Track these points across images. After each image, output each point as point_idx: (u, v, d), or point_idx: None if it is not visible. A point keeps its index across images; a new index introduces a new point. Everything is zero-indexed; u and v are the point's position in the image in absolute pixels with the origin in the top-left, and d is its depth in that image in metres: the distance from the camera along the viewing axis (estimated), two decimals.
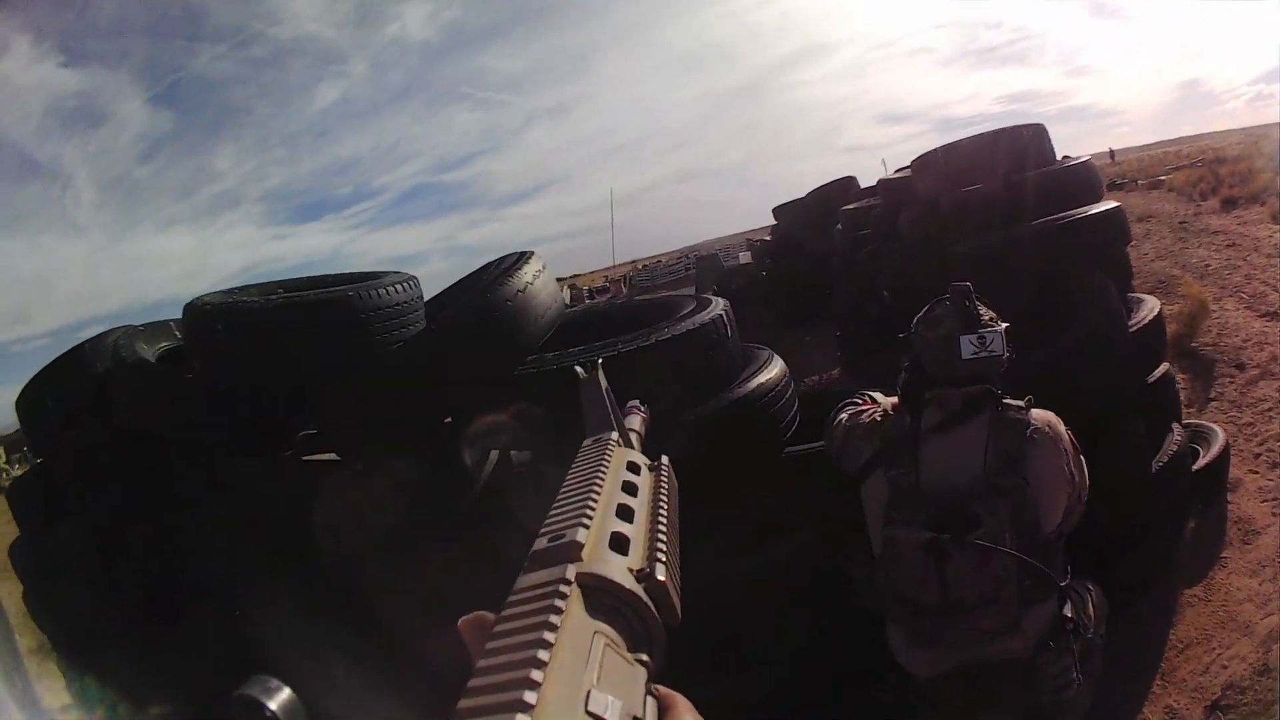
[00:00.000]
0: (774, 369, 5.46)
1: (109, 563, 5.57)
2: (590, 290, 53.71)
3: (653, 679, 0.74)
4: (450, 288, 6.98)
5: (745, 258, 30.22)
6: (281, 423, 5.65)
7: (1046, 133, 8.15)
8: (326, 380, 5.17)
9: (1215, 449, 7.24)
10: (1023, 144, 7.96)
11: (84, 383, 6.40)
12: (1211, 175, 21.23)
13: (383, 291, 5.45)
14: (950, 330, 3.61)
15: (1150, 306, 7.14)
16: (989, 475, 3.45)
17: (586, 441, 1.17)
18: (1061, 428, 3.62)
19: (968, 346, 3.56)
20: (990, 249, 7.04)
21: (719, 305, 5.69)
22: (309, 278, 6.76)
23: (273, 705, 2.30)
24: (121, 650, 5.22)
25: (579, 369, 1.43)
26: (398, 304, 5.53)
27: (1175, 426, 6.78)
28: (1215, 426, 7.84)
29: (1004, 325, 3.66)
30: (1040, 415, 3.61)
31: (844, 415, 4.11)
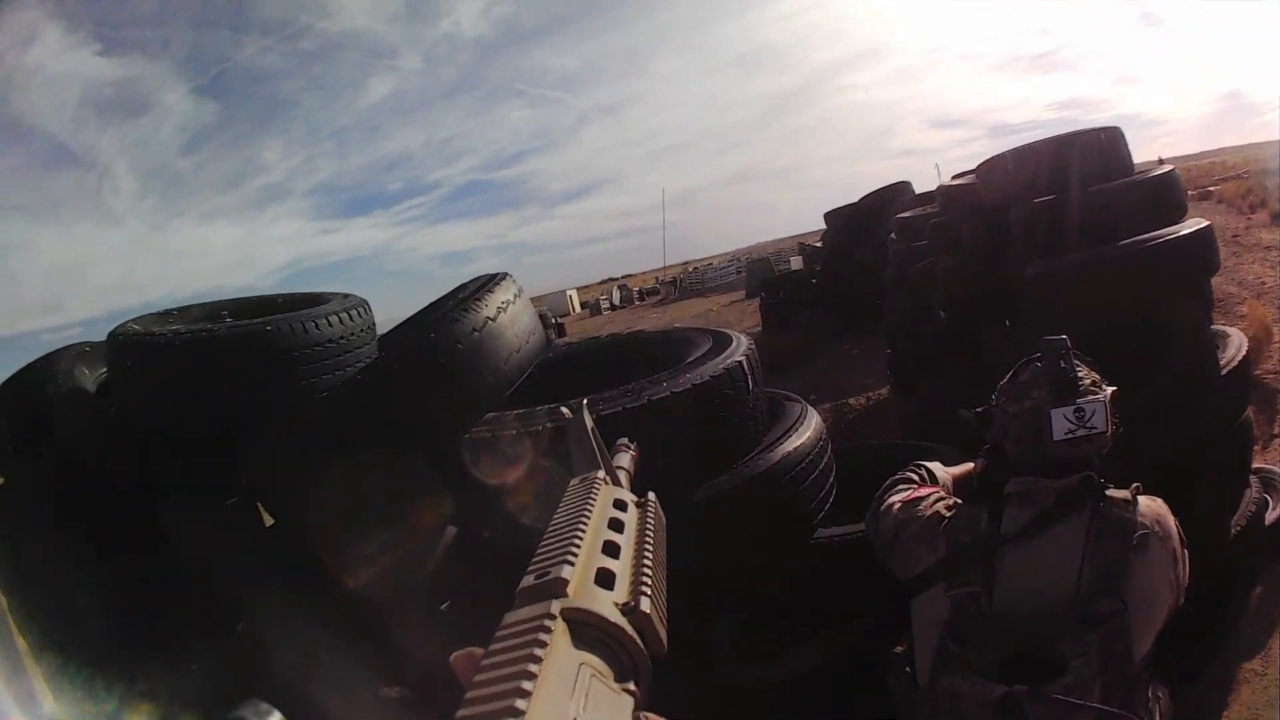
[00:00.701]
0: (806, 431, 4.62)
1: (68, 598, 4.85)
2: (640, 291, 54.46)
3: (640, 708, 0.77)
4: (417, 314, 5.97)
5: (796, 262, 30.16)
6: (221, 467, 4.85)
7: (1124, 137, 7.09)
8: (248, 426, 4.56)
9: None
10: (1100, 150, 6.90)
11: (30, 407, 5.58)
12: (1260, 187, 21.32)
13: (313, 324, 4.74)
14: (1040, 402, 2.97)
15: (1237, 344, 6.51)
16: (1083, 599, 2.75)
17: (574, 481, 1.17)
18: (1172, 523, 2.93)
19: (1061, 423, 2.90)
20: (1069, 273, 6.05)
21: (739, 347, 4.77)
22: (261, 297, 6.03)
23: None
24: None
25: (565, 409, 1.41)
26: (333, 339, 4.79)
27: (1254, 480, 6.25)
28: None
29: (1109, 390, 3.00)
30: (1149, 509, 2.90)
31: (895, 501, 3.30)
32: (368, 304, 5.19)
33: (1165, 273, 5.84)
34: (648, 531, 1.06)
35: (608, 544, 0.94)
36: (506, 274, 4.99)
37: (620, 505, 1.08)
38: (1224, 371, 5.91)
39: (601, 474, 1.17)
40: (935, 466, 3.53)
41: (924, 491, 3.29)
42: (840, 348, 15.80)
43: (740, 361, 4.46)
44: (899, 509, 3.25)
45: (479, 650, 0.71)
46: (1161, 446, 4.77)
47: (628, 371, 4.90)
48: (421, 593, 4.39)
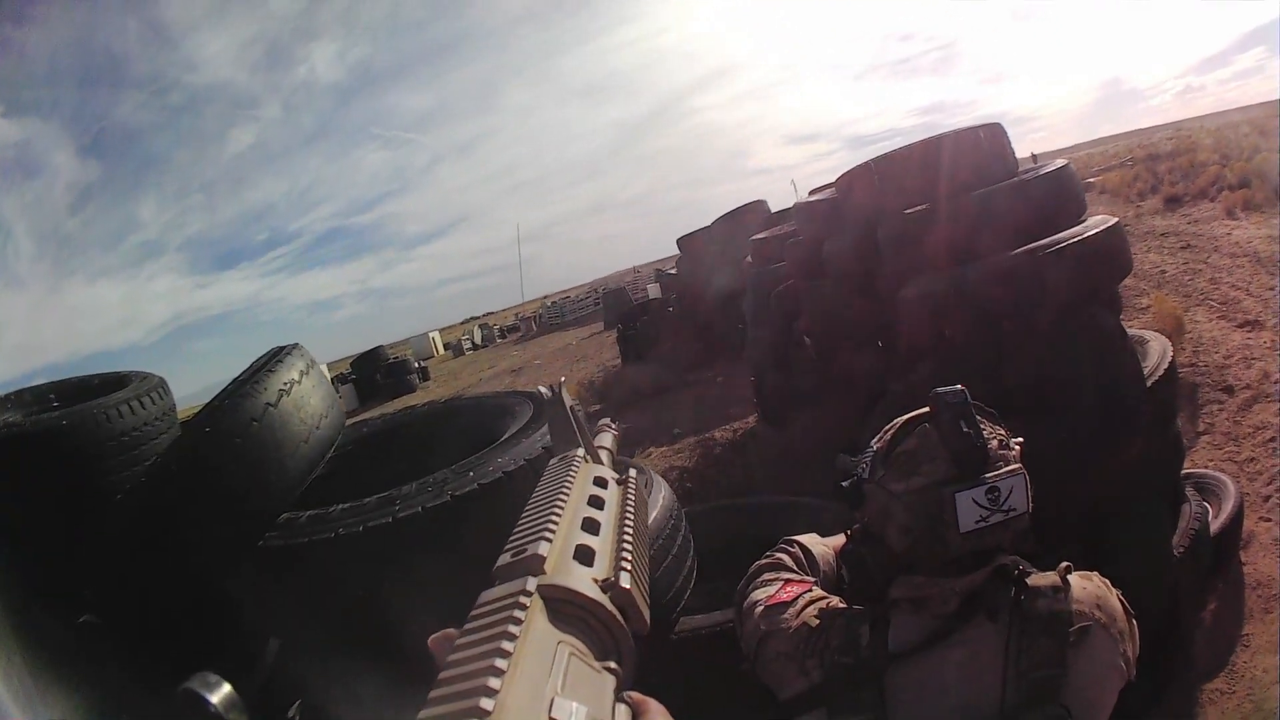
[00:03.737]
0: (653, 509, 4.17)
1: None
2: (501, 329, 55.07)
3: (623, 686, 0.78)
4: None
5: (654, 290, 30.04)
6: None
7: (1005, 134, 6.51)
8: (54, 527, 4.27)
9: (1229, 507, 6.18)
10: (979, 149, 6.31)
11: None
12: (1149, 173, 21.91)
13: (105, 415, 4.51)
14: (935, 480, 2.11)
15: (1160, 350, 5.96)
16: (1011, 713, 2.03)
17: (553, 460, 1.18)
18: (1114, 600, 2.22)
19: (970, 510, 2.07)
20: (952, 291, 5.34)
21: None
22: (81, 379, 5.75)
23: (214, 699, 2.26)
24: None
25: (543, 389, 1.36)
26: (126, 431, 4.54)
27: (1189, 491, 5.90)
28: (1223, 477, 6.73)
29: (1017, 446, 2.20)
30: (1085, 593, 2.17)
31: (758, 602, 2.47)
32: (165, 384, 4.96)
33: (1073, 280, 5.05)
34: (629, 508, 1.08)
35: (587, 520, 0.95)
36: (295, 346, 4.62)
37: (600, 482, 1.10)
38: (1150, 384, 5.28)
39: (581, 452, 1.18)
40: (810, 541, 2.75)
41: (790, 593, 2.45)
42: (704, 378, 14.95)
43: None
44: (761, 615, 2.43)
45: (455, 631, 0.69)
46: (1087, 483, 4.37)
47: (440, 450, 4.60)
48: (255, 706, 3.48)
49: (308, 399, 4.27)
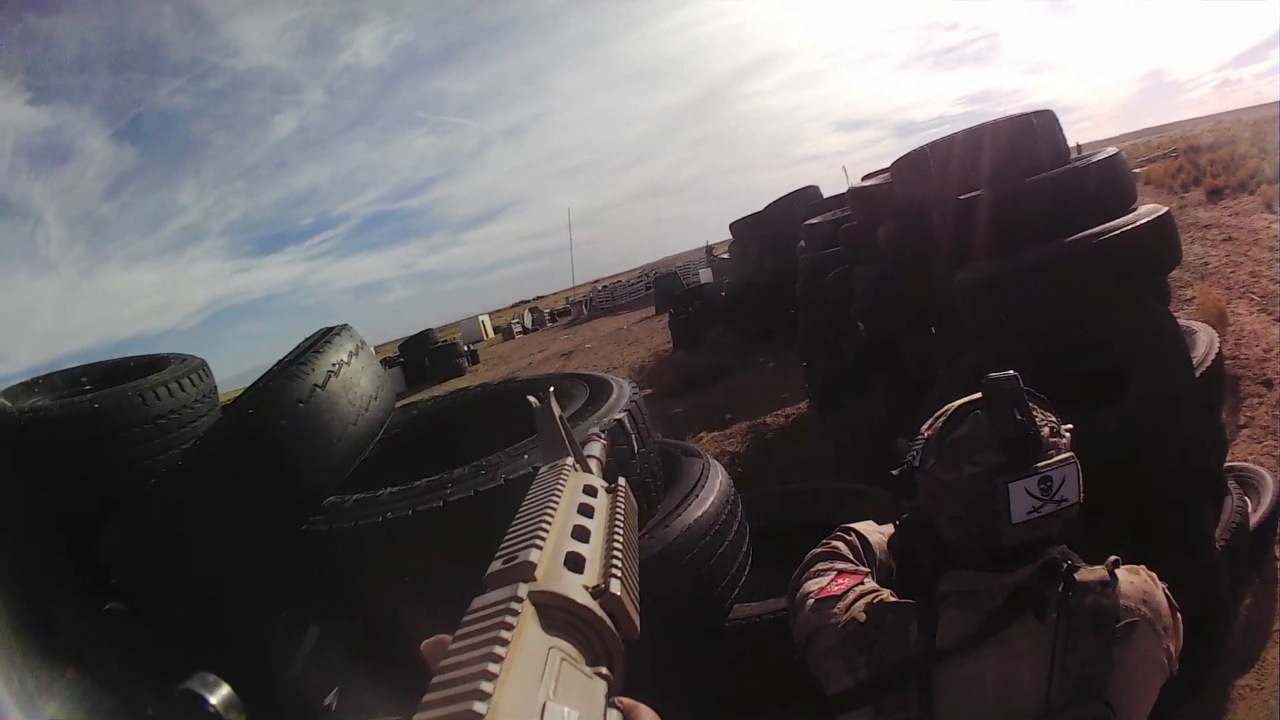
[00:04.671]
0: (710, 496, 4.06)
1: None
2: (552, 312, 54.92)
3: (614, 691, 0.77)
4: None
5: (706, 275, 29.89)
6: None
7: (1058, 121, 6.35)
8: (89, 510, 4.20)
9: (1268, 501, 6.04)
10: (1032, 136, 6.15)
11: None
12: (1191, 165, 21.37)
13: (140, 398, 4.44)
14: (987, 469, 2.06)
15: (1207, 341, 6.01)
16: (1055, 711, 1.99)
17: (543, 469, 1.16)
18: (1160, 595, 2.12)
19: (1023, 500, 2.03)
20: (1007, 277, 5.29)
21: (621, 398, 4.23)
22: (116, 362, 5.68)
23: (213, 700, 2.32)
24: None
25: (532, 399, 1.38)
26: (163, 414, 4.46)
27: (1230, 484, 5.69)
28: (1262, 471, 6.55)
29: (1067, 430, 2.16)
30: (1132, 588, 2.08)
31: (810, 593, 2.41)
32: (205, 367, 4.86)
33: (1125, 269, 5.05)
34: (618, 516, 1.05)
35: (577, 529, 0.94)
36: (345, 326, 4.57)
37: (590, 491, 1.07)
38: (1199, 374, 5.21)
39: (570, 460, 1.15)
40: (867, 529, 2.65)
41: (841, 585, 2.40)
42: (755, 362, 14.94)
43: (620, 419, 3.94)
44: (811, 607, 2.39)
45: (448, 637, 0.69)
46: (1137, 473, 4.29)
47: (492, 432, 4.43)
48: (294, 694, 3.89)
49: (357, 380, 4.25)
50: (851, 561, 2.49)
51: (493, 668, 0.60)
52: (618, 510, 1.07)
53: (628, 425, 3.85)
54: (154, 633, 4.04)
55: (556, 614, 0.76)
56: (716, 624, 3.94)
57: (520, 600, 0.71)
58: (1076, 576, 2.06)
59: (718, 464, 4.54)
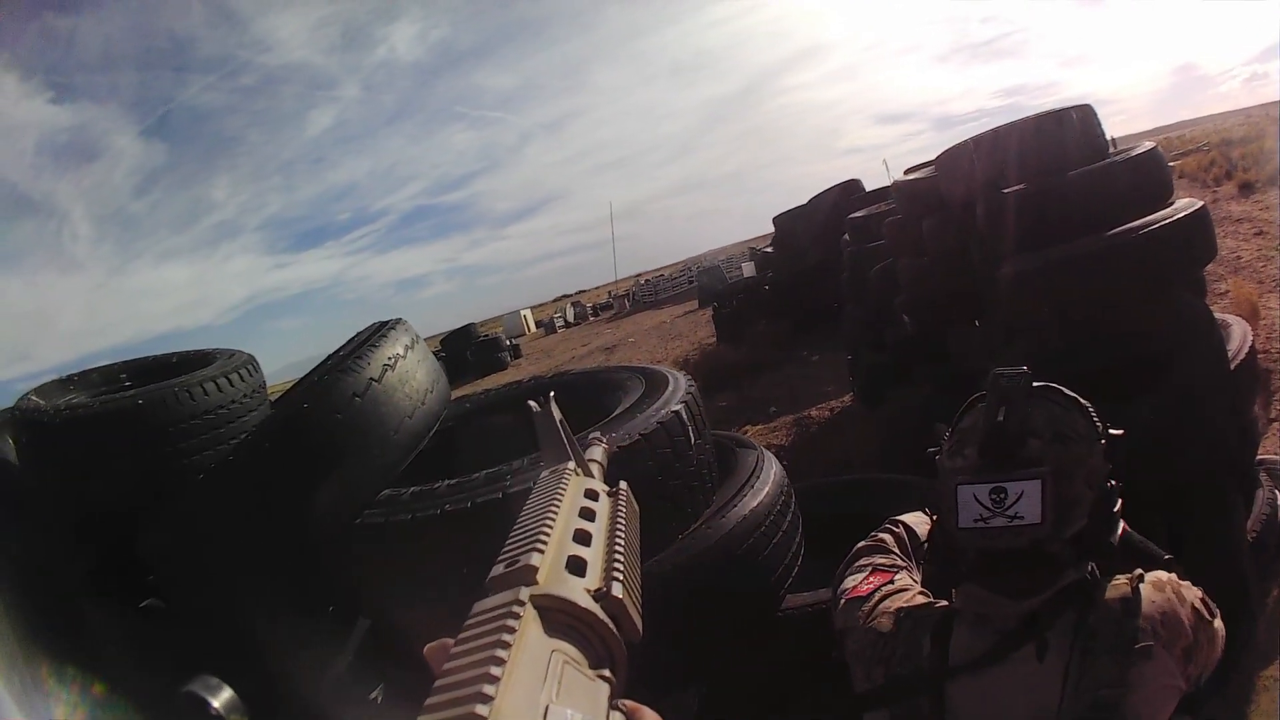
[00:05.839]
0: (765, 487, 4.10)
1: None
2: (594, 306, 54.92)
3: (617, 694, 0.77)
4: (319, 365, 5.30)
5: (748, 269, 29.91)
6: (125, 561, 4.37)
7: (1096, 115, 6.41)
8: (131, 508, 4.16)
9: None
10: (1072, 131, 6.22)
11: None
12: (1223, 159, 21.71)
13: (188, 394, 4.39)
14: (966, 465, 2.06)
15: (1241, 334, 5.98)
16: None
17: (544, 473, 1.14)
18: (1184, 611, 2.04)
19: (970, 507, 2.03)
20: (1051, 270, 5.36)
21: (677, 390, 4.28)
22: (157, 358, 5.74)
23: (216, 702, 2.48)
24: None
25: (532, 403, 1.34)
26: (210, 409, 4.42)
27: (1263, 477, 5.61)
28: None
29: (1113, 432, 2.12)
30: (1154, 605, 2.03)
31: (847, 589, 2.49)
32: (254, 362, 4.84)
33: (1162, 262, 5.17)
34: (620, 520, 1.04)
35: (579, 532, 0.93)
36: (399, 320, 4.57)
37: (592, 495, 1.06)
38: (1232, 367, 5.26)
39: (572, 465, 1.14)
40: (915, 520, 2.72)
41: (871, 584, 2.46)
42: (798, 356, 15.20)
43: (678, 411, 3.95)
44: (842, 608, 2.46)
45: (450, 640, 0.67)
46: (1172, 462, 4.31)
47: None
48: (339, 688, 3.93)
49: (413, 374, 4.27)
50: (894, 555, 2.54)
51: (495, 670, 0.59)
52: (619, 513, 1.07)
53: (684, 417, 3.88)
54: (189, 630, 4.07)
55: (558, 617, 0.75)
56: (770, 613, 3.97)
57: (522, 604, 0.70)
58: (1097, 598, 2.05)
59: (771, 455, 4.57)
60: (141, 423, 4.25)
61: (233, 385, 4.49)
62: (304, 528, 3.70)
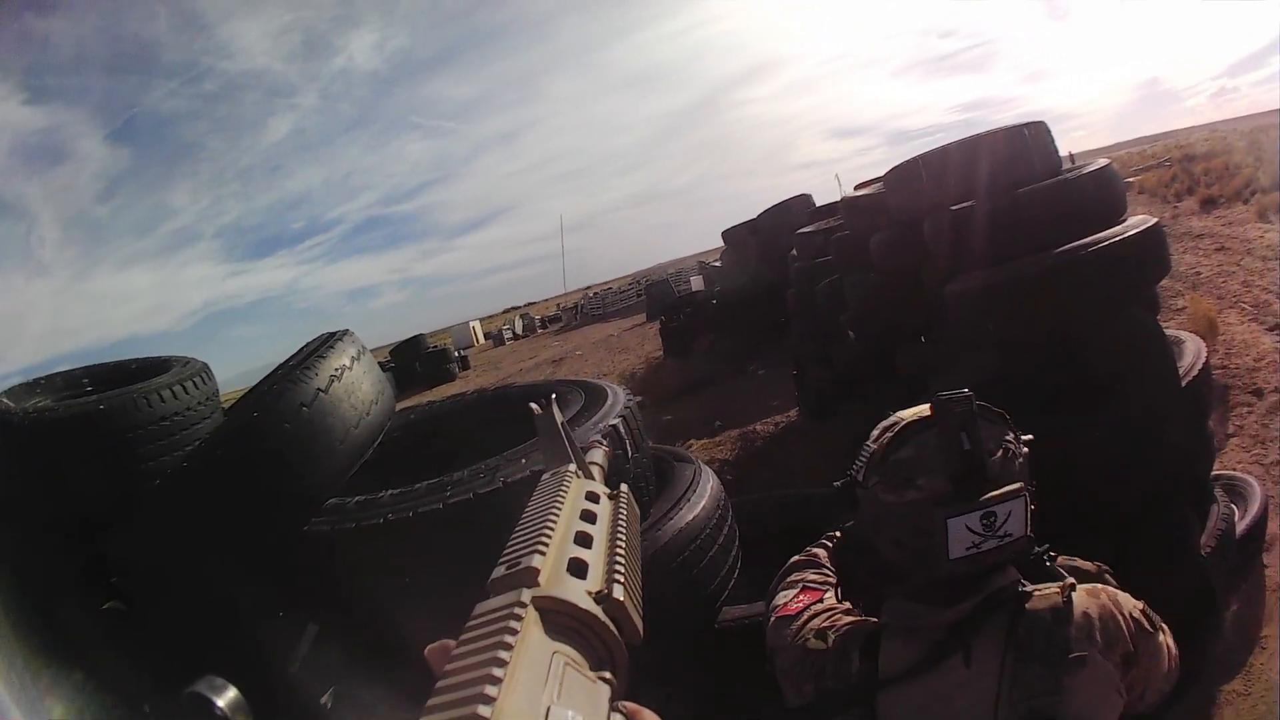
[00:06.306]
0: (701, 500, 4.14)
1: None
2: (543, 319, 54.98)
3: (618, 696, 0.76)
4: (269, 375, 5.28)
5: (697, 283, 29.92)
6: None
7: (1049, 132, 6.33)
8: (93, 511, 4.25)
9: (1254, 509, 5.93)
10: (1024, 146, 6.17)
11: None
12: (1185, 174, 21.75)
13: (145, 400, 4.45)
14: (930, 496, 2.01)
15: (1194, 350, 5.97)
16: None
17: (545, 476, 1.15)
18: (1118, 624, 2.05)
19: (962, 536, 1.99)
20: (997, 288, 5.28)
21: (615, 404, 4.34)
22: (117, 364, 5.69)
23: (220, 702, 2.43)
24: None
25: (533, 405, 1.34)
26: (167, 415, 4.47)
27: (1217, 492, 5.65)
28: (1250, 479, 6.53)
29: (1025, 441, 2.13)
30: (1088, 615, 2.04)
31: (776, 605, 2.50)
32: (208, 370, 4.89)
33: (1113, 280, 5.06)
34: (620, 522, 1.03)
35: (580, 535, 0.93)
36: (346, 332, 4.62)
37: (592, 497, 1.06)
38: (1185, 384, 5.28)
39: (573, 467, 1.14)
40: (850, 535, 2.56)
41: (800, 603, 2.45)
42: (745, 371, 15.23)
43: (615, 424, 4.04)
44: (772, 625, 2.46)
45: (452, 642, 0.68)
46: (1121, 481, 4.37)
47: (489, 437, 4.48)
48: (291, 691, 3.91)
49: (359, 385, 4.29)
50: (826, 570, 2.54)
51: (497, 672, 0.60)
52: (620, 516, 1.06)
53: (622, 431, 3.93)
54: (152, 633, 4.06)
55: (560, 619, 0.75)
56: (707, 625, 4.00)
57: (524, 605, 0.71)
58: (1027, 606, 2.04)
59: (708, 470, 4.61)
60: (103, 427, 4.30)
61: (187, 393, 4.53)
62: (254, 535, 3.74)
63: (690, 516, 3.96)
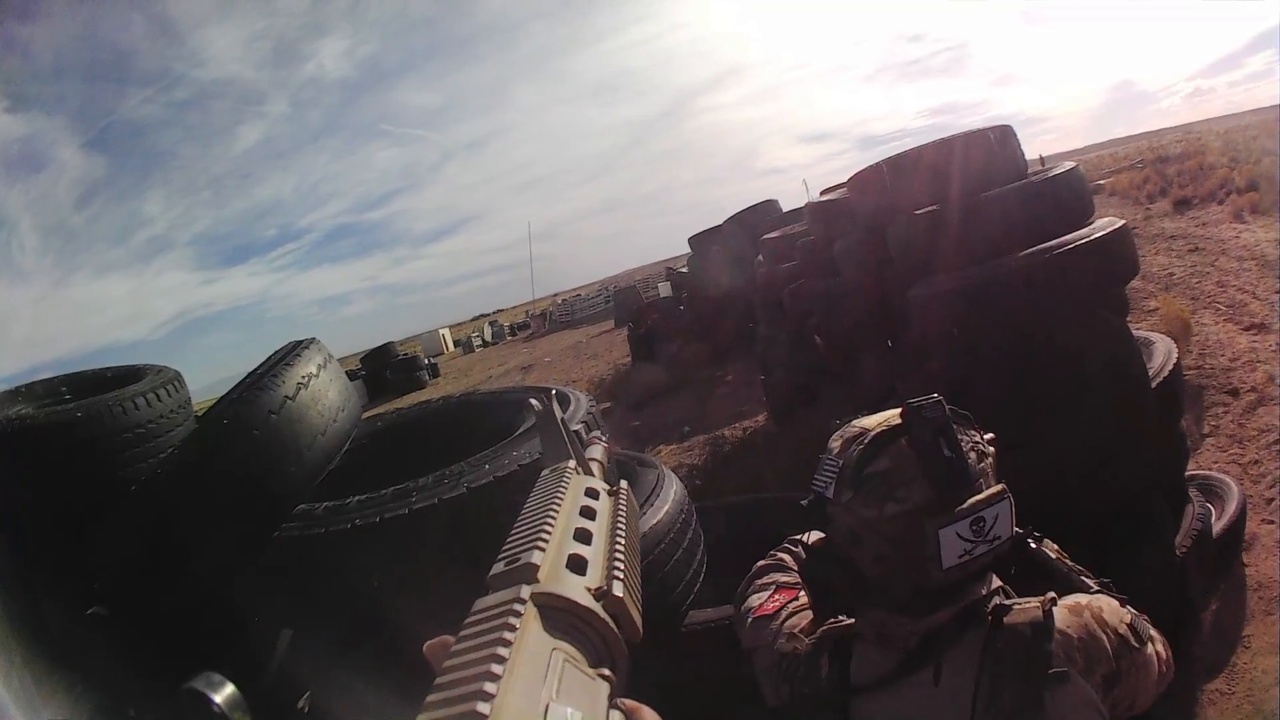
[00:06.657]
0: (664, 505, 4.18)
1: None
2: (511, 326, 54.83)
3: (617, 693, 0.77)
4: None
5: (664, 289, 29.91)
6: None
7: (1015, 136, 6.45)
8: (70, 517, 4.16)
9: (1232, 509, 6.18)
10: (989, 150, 6.23)
11: None
12: (1158, 175, 21.34)
13: (120, 408, 4.45)
14: (915, 507, 1.91)
15: (1165, 351, 6.01)
16: None
17: (545, 472, 1.17)
18: (1100, 640, 1.99)
19: (954, 546, 1.91)
20: (961, 292, 5.30)
21: (578, 409, 4.51)
22: (95, 372, 5.74)
23: (218, 698, 2.52)
24: None
25: (534, 401, 1.40)
26: (142, 423, 4.46)
27: (1192, 492, 5.83)
28: (1226, 479, 6.71)
29: (989, 440, 2.06)
30: (1069, 630, 1.98)
31: (750, 609, 2.47)
32: (180, 378, 4.90)
33: (1079, 283, 5.11)
34: (620, 519, 1.05)
35: (579, 531, 0.94)
36: (313, 340, 4.65)
37: (592, 494, 1.08)
38: (1155, 385, 5.30)
39: (572, 464, 1.17)
40: (816, 539, 2.46)
41: (776, 603, 2.44)
42: (713, 376, 15.24)
43: (578, 431, 3.79)
44: (750, 625, 2.43)
45: (451, 638, 0.70)
46: (1093, 483, 4.40)
47: (456, 443, 4.63)
48: (267, 697, 3.81)
49: (325, 392, 4.31)
50: (794, 572, 2.52)
51: (496, 668, 0.61)
52: (619, 513, 1.07)
53: (584, 437, 3.88)
54: (135, 637, 3.99)
55: (559, 616, 0.76)
56: (671, 629, 4.02)
57: (523, 602, 0.72)
58: (1006, 620, 1.99)
59: (672, 474, 4.64)
60: (82, 434, 4.30)
61: (160, 400, 4.54)
62: (226, 540, 3.75)
63: (654, 521, 4.00)
